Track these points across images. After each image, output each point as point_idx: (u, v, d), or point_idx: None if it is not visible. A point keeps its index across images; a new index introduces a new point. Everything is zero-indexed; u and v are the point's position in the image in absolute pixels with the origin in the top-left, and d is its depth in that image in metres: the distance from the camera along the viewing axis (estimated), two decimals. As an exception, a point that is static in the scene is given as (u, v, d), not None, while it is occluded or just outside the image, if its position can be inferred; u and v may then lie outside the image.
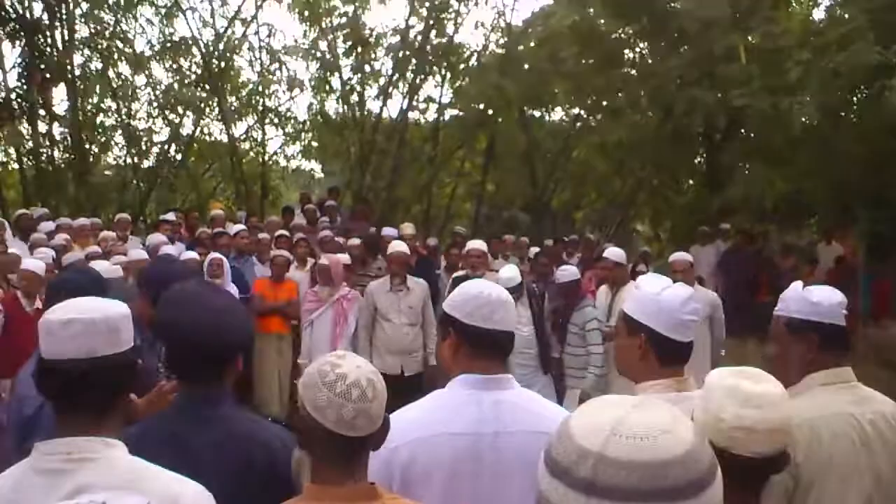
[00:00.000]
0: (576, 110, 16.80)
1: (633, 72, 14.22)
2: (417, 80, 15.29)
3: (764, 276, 12.89)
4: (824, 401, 2.56)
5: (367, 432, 1.85)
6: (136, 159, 15.08)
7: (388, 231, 9.76)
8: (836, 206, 14.16)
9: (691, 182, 16.78)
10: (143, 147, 15.12)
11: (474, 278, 7.02)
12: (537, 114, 17.17)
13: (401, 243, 7.47)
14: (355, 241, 9.26)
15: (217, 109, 14.74)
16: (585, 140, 16.61)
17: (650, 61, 14.00)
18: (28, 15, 13.86)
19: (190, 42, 14.70)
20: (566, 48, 13.79)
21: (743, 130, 14.34)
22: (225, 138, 15.49)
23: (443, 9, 14.91)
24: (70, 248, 8.73)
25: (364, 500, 1.85)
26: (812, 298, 2.64)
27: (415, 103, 15.66)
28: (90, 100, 14.58)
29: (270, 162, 16.36)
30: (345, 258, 7.91)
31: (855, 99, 12.64)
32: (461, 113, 15.67)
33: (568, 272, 7.23)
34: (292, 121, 16.26)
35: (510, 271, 6.74)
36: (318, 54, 15.12)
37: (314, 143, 16.48)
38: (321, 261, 7.55)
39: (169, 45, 14.81)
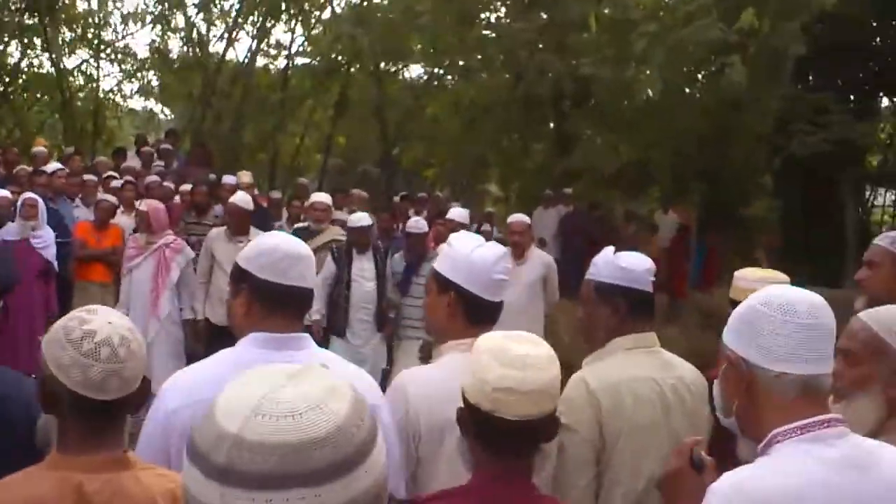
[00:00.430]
0: (430, 68, 16.59)
1: (490, 34, 14.15)
2: (267, 24, 14.66)
3: (604, 241, 13.30)
4: (628, 365, 2.57)
5: (120, 395, 1.65)
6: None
7: (227, 179, 9.33)
8: (675, 178, 14.74)
9: (541, 146, 16.98)
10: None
11: (316, 231, 6.91)
12: (392, 69, 16.86)
13: (244, 195, 7.14)
14: (187, 187, 8.83)
15: (45, 39, 13.57)
16: (439, 98, 16.55)
17: (507, 23, 13.95)
18: None
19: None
20: (421, 3, 13.58)
21: (593, 100, 14.62)
22: (54, 71, 14.38)
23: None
24: None
25: (112, 469, 1.65)
26: (621, 264, 2.64)
27: (263, 48, 15.06)
28: None
29: (106, 100, 15.29)
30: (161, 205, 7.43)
31: (700, 76, 13.14)
32: (312, 62, 15.23)
33: (418, 224, 7.26)
34: (130, 57, 15.31)
35: (361, 214, 6.92)
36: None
37: (154, 83, 15.58)
38: (139, 207, 7.08)
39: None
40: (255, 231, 6.86)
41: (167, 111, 16.49)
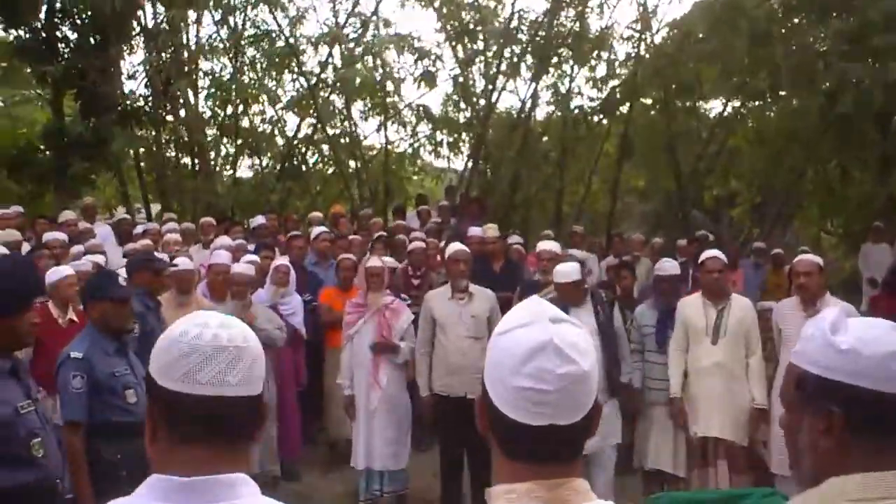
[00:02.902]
0: (725, 98, 15.08)
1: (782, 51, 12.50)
2: (542, 70, 14.15)
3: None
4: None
5: None
6: (259, 161, 14.93)
7: (473, 230, 8.76)
8: None
9: (864, 171, 14.66)
10: (267, 149, 14.88)
11: (545, 284, 6.05)
12: (686, 104, 15.54)
13: (456, 245, 6.46)
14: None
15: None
16: (739, 129, 15.02)
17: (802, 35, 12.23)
18: (154, 22, 14.01)
19: (311, 42, 14.21)
20: (701, 28, 12.37)
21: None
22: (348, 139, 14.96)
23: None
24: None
25: None
26: (840, 343, 1.48)
27: (539, 94, 14.57)
28: (215, 105, 14.48)
29: (396, 161, 15.59)
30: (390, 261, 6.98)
31: None
32: (592, 104, 14.49)
33: (663, 266, 6.31)
34: (423, 119, 15.44)
35: (568, 265, 5.78)
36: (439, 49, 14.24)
37: (444, 141, 15.53)
38: (367, 264, 6.58)
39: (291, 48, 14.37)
40: (475, 287, 6.16)
41: (455, 166, 16.39)
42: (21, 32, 13.11)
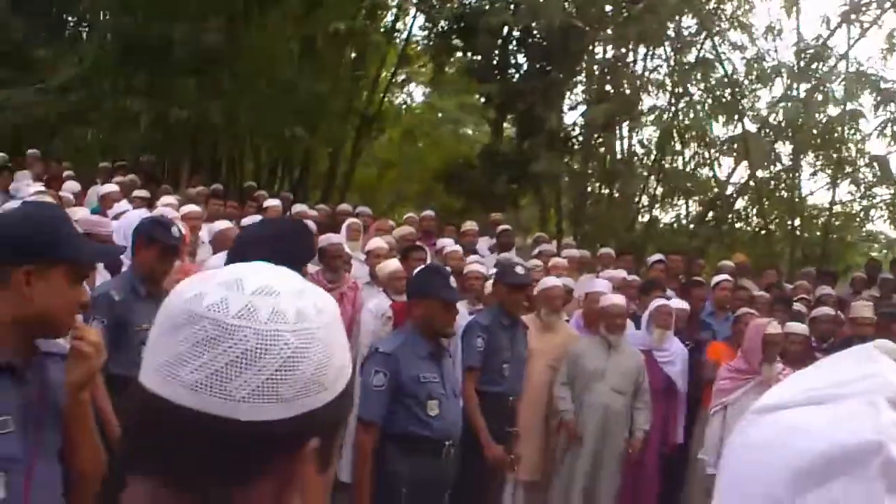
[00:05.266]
0: None
1: None
2: None
3: None
4: None
5: None
6: (686, 204, 14.02)
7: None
8: None
9: None
10: (695, 194, 13.92)
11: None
12: None
13: None
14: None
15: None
16: None
17: None
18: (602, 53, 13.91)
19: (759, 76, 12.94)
20: None
21: None
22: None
23: None
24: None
25: None
26: None
27: None
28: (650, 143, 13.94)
29: (840, 222, 13.50)
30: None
31: None
32: None
33: None
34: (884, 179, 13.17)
35: None
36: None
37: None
38: (768, 328, 5.34)
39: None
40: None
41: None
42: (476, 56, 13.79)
